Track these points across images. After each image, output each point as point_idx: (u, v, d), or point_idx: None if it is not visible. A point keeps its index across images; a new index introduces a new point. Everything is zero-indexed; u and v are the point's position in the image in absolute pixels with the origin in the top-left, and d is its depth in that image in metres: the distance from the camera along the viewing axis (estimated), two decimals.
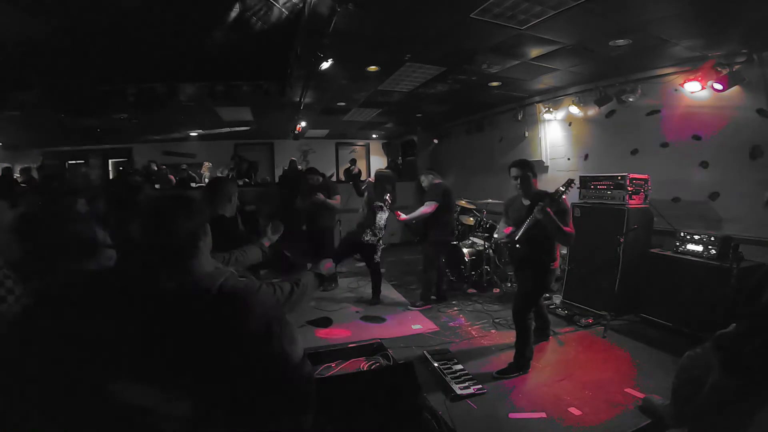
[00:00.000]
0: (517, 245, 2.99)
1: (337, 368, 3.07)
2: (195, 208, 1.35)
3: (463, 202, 6.15)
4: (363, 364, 3.16)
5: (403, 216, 4.41)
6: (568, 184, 2.84)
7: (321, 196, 4.94)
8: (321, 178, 5.26)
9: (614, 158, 4.83)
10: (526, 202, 2.97)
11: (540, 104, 5.94)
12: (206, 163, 8.80)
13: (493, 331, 3.86)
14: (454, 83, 5.20)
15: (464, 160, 8.28)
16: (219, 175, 8.63)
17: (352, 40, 3.55)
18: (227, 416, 1.09)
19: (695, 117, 4.00)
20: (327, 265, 1.77)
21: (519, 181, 2.95)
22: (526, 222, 2.85)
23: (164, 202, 1.37)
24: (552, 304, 4.39)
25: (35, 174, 7.70)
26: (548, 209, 2.68)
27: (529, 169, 2.97)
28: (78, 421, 0.98)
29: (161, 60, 3.91)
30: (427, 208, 4.26)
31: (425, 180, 4.60)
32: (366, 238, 4.45)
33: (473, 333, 3.83)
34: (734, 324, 1.70)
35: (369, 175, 11.06)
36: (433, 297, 4.68)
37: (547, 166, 5.98)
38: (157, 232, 1.30)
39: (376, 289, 4.78)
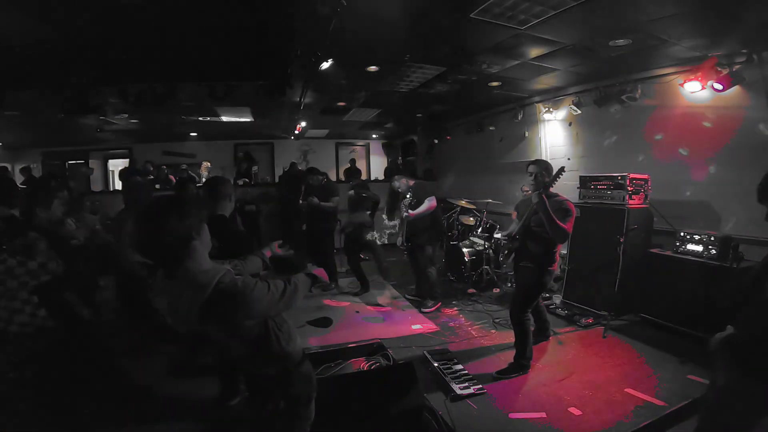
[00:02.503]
0: (516, 236, 3.07)
1: (337, 368, 3.08)
2: (187, 209, 1.37)
3: (463, 202, 6.15)
4: (363, 364, 3.16)
5: (411, 212, 4.38)
6: (559, 171, 2.88)
7: (315, 200, 4.95)
8: (322, 178, 5.26)
9: (614, 158, 4.83)
10: (535, 200, 3.00)
11: (540, 104, 5.94)
12: (205, 163, 8.79)
13: (493, 331, 3.87)
14: (454, 83, 5.20)
15: (464, 160, 8.28)
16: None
17: (352, 40, 3.55)
18: None
19: (695, 117, 4.00)
20: (319, 272, 1.78)
21: (533, 177, 2.99)
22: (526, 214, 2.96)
23: (156, 204, 1.39)
24: (552, 304, 4.40)
25: (35, 173, 7.71)
26: (543, 196, 2.76)
27: (545, 169, 3.00)
28: None
29: (161, 60, 3.91)
30: (431, 202, 4.29)
31: (400, 185, 4.54)
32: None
33: (473, 333, 3.83)
34: (731, 326, 1.66)
35: (369, 176, 11.12)
36: (418, 298, 4.70)
37: None
38: (150, 232, 1.32)
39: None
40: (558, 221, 2.74)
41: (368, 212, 5.10)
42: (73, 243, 2.85)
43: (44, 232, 2.50)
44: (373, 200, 5.19)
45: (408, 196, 4.42)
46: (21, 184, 7.08)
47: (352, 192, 5.11)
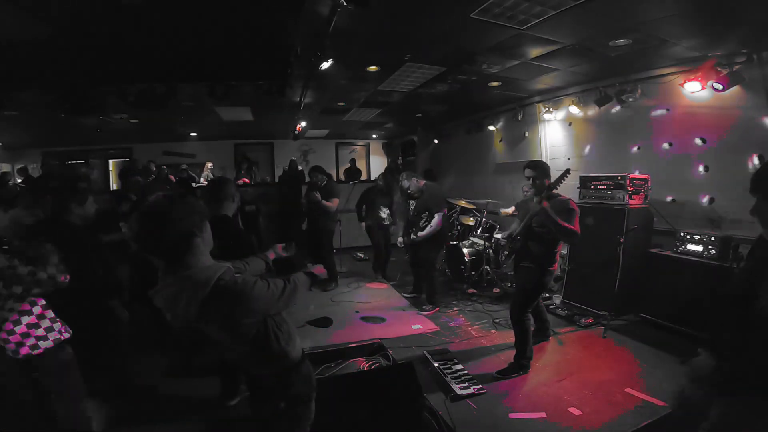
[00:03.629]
0: (518, 237, 3.06)
1: (337, 368, 3.08)
2: (189, 207, 1.38)
3: (463, 202, 6.16)
4: (363, 364, 3.16)
5: (422, 233, 4.30)
6: (564, 174, 2.84)
7: (317, 195, 4.95)
8: (326, 179, 5.25)
9: (614, 158, 4.83)
10: (536, 208, 2.99)
11: (540, 104, 5.94)
12: (208, 163, 8.82)
13: (493, 331, 3.87)
14: (454, 83, 5.20)
15: (464, 160, 8.29)
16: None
17: (352, 40, 3.55)
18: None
19: (695, 117, 4.00)
20: (318, 270, 1.79)
21: (531, 181, 2.98)
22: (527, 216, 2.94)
23: (160, 201, 1.40)
24: (552, 304, 4.40)
25: (34, 174, 7.72)
26: (545, 203, 2.72)
27: (542, 170, 2.99)
28: None
29: (161, 60, 3.91)
30: (439, 219, 4.22)
31: (410, 185, 4.49)
32: None
33: (473, 333, 3.83)
34: (704, 350, 1.42)
35: (369, 176, 11.13)
36: (415, 294, 4.74)
37: None
38: (153, 229, 1.33)
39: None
40: (566, 224, 2.71)
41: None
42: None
43: (78, 229, 2.48)
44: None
45: (411, 202, 4.37)
46: (20, 183, 7.09)
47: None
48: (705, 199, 3.94)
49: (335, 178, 9.82)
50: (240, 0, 2.88)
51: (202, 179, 8.25)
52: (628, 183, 3.97)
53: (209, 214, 1.50)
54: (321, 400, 1.84)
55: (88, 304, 2.35)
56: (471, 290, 5.03)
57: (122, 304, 2.70)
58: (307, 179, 5.43)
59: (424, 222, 4.29)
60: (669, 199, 4.23)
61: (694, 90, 3.80)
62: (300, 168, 8.88)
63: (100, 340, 2.51)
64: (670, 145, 4.25)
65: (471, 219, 6.00)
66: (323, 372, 2.96)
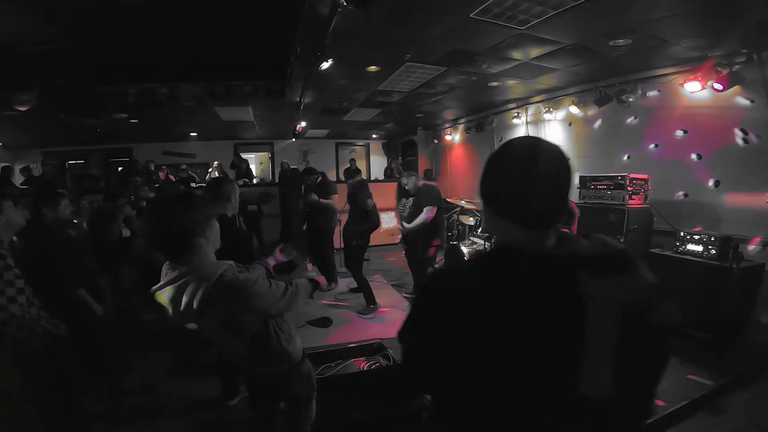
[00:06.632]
0: None
1: (337, 368, 3.07)
2: (193, 206, 1.39)
3: (463, 202, 6.16)
4: (363, 364, 3.16)
5: (408, 225, 4.31)
6: None
7: (315, 196, 4.94)
8: (319, 177, 5.25)
9: (614, 158, 4.83)
10: None
11: (540, 104, 5.95)
12: (215, 163, 8.84)
13: None
14: (454, 83, 5.20)
15: (464, 160, 8.28)
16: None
17: (352, 40, 3.55)
18: None
19: (695, 117, 4.00)
20: (319, 279, 1.79)
21: None
22: None
23: (165, 199, 1.41)
24: None
25: (35, 173, 7.73)
26: None
27: None
28: None
29: (161, 60, 3.91)
30: (429, 213, 4.20)
31: (408, 182, 4.44)
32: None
33: None
34: None
35: (369, 176, 11.12)
36: (416, 295, 4.68)
37: None
38: (158, 226, 1.34)
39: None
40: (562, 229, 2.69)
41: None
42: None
43: (53, 231, 2.56)
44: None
45: (409, 200, 4.35)
46: (21, 184, 7.10)
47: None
48: (703, 198, 3.94)
49: (335, 178, 9.82)
50: (240, 0, 2.89)
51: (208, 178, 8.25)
52: (628, 183, 3.97)
53: (214, 213, 1.51)
54: (321, 400, 1.85)
55: (53, 298, 2.38)
56: None
57: (125, 299, 2.71)
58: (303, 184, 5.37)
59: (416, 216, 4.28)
60: (669, 198, 4.21)
61: (694, 90, 3.80)
62: (293, 167, 8.82)
63: (73, 332, 2.53)
64: (670, 143, 4.25)
65: (471, 219, 6.00)
66: (323, 372, 2.95)
